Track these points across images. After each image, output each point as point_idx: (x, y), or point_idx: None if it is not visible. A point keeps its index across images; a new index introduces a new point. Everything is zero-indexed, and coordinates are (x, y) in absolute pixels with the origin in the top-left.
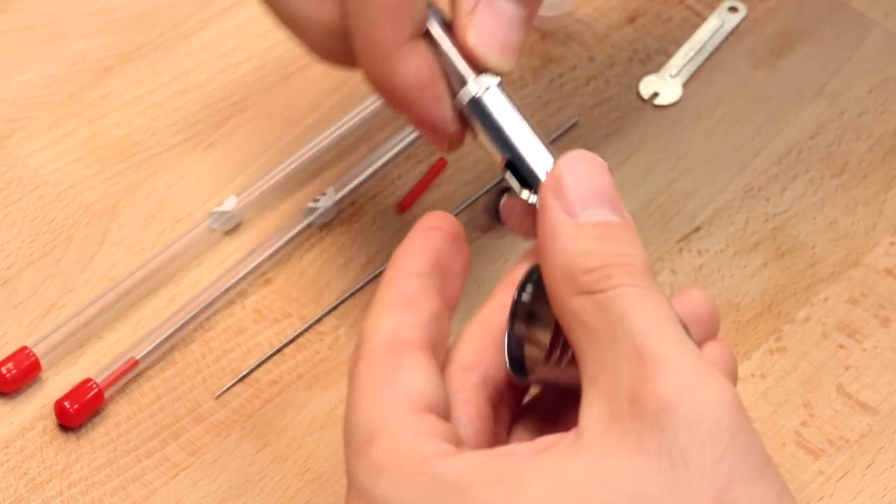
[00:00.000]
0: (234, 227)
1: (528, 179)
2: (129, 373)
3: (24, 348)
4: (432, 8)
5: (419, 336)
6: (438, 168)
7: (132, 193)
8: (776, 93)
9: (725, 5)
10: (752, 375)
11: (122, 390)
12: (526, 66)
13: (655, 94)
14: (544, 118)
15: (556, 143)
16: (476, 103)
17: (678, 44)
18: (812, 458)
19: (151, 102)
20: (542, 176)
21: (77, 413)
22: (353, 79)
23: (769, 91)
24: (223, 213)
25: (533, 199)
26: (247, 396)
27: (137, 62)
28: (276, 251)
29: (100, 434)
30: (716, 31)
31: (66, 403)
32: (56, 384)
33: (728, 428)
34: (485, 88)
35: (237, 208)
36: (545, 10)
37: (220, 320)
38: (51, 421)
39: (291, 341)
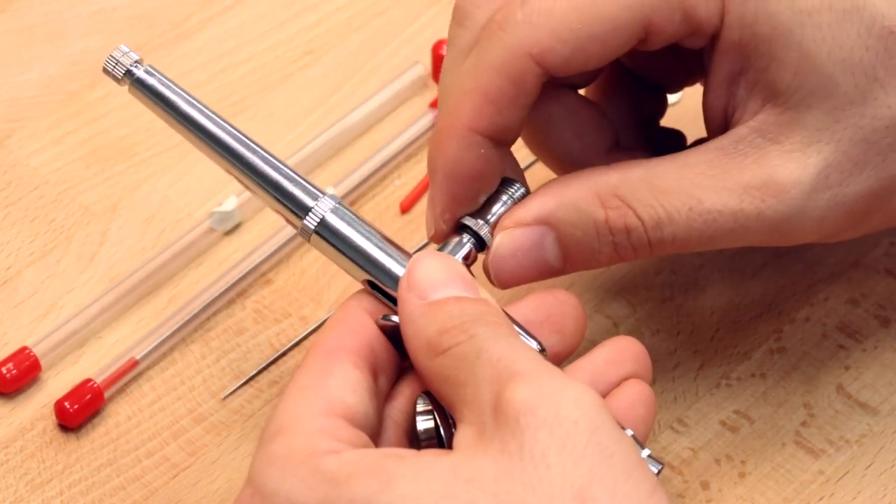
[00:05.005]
0: (234, 227)
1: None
2: (129, 373)
3: (24, 348)
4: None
5: (356, 353)
6: None
7: (132, 193)
8: None
9: None
10: (752, 375)
11: (122, 390)
12: None
13: None
14: None
15: None
16: (326, 227)
17: None
18: (812, 458)
19: None
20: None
21: (77, 413)
22: (353, 79)
23: None
24: (223, 213)
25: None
26: (247, 397)
27: None
28: (276, 251)
29: (100, 434)
30: None
31: (66, 403)
32: (56, 384)
33: (587, 428)
34: (330, 209)
35: (237, 208)
36: None
37: (220, 320)
38: (51, 421)
39: (297, 343)
